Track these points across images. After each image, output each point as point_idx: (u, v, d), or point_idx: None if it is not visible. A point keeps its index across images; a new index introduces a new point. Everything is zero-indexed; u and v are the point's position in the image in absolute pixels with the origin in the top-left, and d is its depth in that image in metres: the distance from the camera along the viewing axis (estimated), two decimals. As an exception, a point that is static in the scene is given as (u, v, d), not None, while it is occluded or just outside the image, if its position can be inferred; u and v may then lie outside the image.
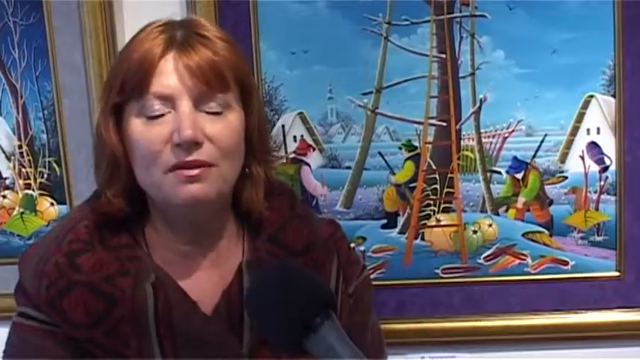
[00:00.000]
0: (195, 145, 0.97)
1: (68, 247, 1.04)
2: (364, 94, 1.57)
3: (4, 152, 1.65)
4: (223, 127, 1.00)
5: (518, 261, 1.60)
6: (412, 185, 1.60)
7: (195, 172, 0.97)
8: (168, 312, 1.02)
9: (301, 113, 1.58)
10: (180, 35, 1.01)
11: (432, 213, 1.61)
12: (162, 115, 0.98)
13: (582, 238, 1.59)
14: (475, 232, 1.61)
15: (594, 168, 1.57)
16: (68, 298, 1.01)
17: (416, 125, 1.57)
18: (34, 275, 1.04)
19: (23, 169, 1.65)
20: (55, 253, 1.04)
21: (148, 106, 0.98)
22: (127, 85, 1.00)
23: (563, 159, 1.57)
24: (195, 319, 1.04)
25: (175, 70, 0.98)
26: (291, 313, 0.86)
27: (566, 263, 1.60)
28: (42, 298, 1.02)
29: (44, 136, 1.63)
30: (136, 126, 0.99)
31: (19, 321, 1.06)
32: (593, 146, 1.56)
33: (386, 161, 1.59)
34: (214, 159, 0.98)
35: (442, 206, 1.60)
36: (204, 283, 1.08)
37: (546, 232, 1.60)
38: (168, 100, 0.98)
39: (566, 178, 1.58)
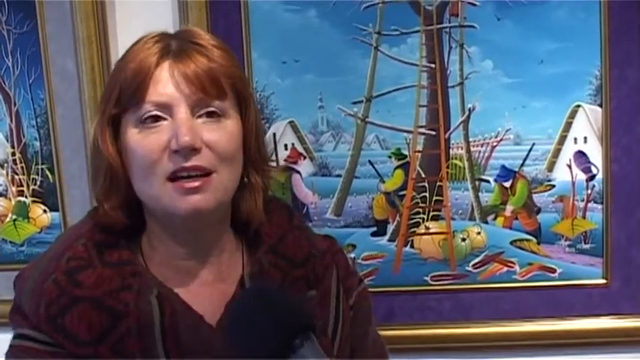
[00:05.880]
0: (193, 151, 0.96)
1: (67, 265, 1.01)
2: (354, 103, 1.58)
3: (-3, 159, 1.66)
4: (221, 133, 0.99)
5: (506, 268, 1.62)
6: (402, 193, 1.61)
7: (195, 183, 0.96)
8: (174, 324, 1.00)
9: (292, 122, 1.60)
10: (175, 44, 1.01)
11: (421, 221, 1.62)
12: (159, 124, 0.97)
13: (569, 245, 1.61)
14: (464, 239, 1.62)
15: (581, 176, 1.58)
16: (70, 315, 0.98)
17: (405, 134, 1.59)
18: (32, 295, 1.01)
19: (16, 176, 1.65)
20: (54, 272, 1.01)
21: (144, 114, 0.97)
22: (123, 95, 0.99)
23: (550, 168, 1.59)
24: (202, 331, 1.02)
25: (171, 77, 0.98)
26: (269, 335, 0.87)
27: (553, 271, 1.61)
28: (41, 317, 0.99)
29: (37, 143, 1.64)
30: (133, 135, 0.98)
31: (17, 343, 1.02)
32: (580, 155, 1.58)
33: (376, 169, 1.61)
34: (213, 165, 0.97)
35: (431, 214, 1.62)
36: (207, 298, 1.05)
37: (534, 239, 1.61)
38: (165, 108, 0.97)
39: (553, 186, 1.60)
